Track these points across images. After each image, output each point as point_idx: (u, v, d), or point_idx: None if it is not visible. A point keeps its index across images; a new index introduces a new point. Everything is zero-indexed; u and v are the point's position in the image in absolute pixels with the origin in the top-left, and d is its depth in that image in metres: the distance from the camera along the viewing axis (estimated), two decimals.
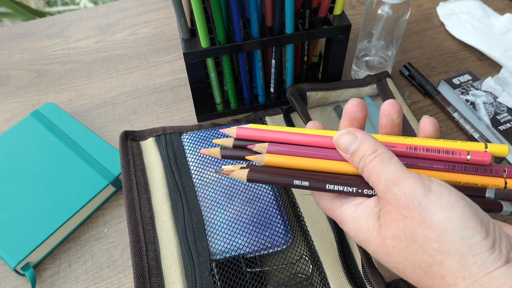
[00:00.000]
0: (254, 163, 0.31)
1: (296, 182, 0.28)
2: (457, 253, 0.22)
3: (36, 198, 0.45)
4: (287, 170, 0.30)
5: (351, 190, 0.28)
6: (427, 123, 0.31)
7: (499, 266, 0.21)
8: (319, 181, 0.28)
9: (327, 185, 0.28)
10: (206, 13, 0.49)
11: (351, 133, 0.29)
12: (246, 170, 0.29)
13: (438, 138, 0.31)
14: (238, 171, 0.30)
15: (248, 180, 0.29)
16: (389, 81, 0.53)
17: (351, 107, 0.31)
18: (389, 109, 0.31)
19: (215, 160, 0.46)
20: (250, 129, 0.31)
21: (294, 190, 0.45)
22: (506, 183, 0.28)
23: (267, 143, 0.30)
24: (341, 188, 0.28)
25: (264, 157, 0.30)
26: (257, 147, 0.30)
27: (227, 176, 0.45)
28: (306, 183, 0.28)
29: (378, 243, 0.25)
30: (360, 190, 0.28)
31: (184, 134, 0.49)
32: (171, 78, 0.60)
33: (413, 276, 0.24)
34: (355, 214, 0.27)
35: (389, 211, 0.25)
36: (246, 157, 0.31)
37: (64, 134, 0.50)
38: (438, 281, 0.23)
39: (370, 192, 0.28)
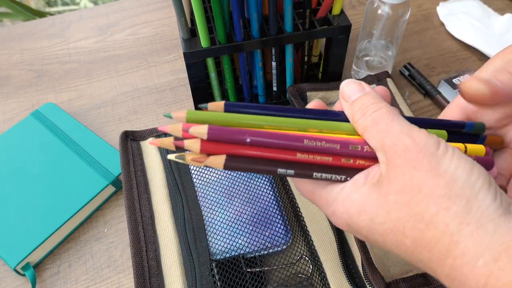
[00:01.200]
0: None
1: (280, 170, 0.25)
2: (463, 198, 0.22)
3: (36, 198, 0.45)
4: (271, 155, 0.26)
5: (339, 178, 0.26)
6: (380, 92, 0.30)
7: (503, 214, 0.21)
8: (305, 169, 0.26)
9: (314, 173, 0.26)
10: (206, 13, 0.49)
11: (360, 84, 0.27)
12: (223, 158, 0.25)
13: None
14: (213, 158, 0.25)
15: (225, 168, 0.25)
16: (389, 81, 0.54)
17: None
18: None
19: None
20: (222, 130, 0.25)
21: (294, 190, 0.45)
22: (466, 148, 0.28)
23: (206, 126, 0.24)
24: (329, 176, 0.26)
25: (198, 145, 0.24)
26: (192, 130, 0.24)
27: (227, 176, 0.45)
28: (291, 172, 0.26)
29: (377, 203, 0.24)
30: (349, 178, 0.26)
31: None
32: (171, 78, 0.60)
33: (412, 233, 0.23)
34: (344, 192, 0.26)
35: (396, 165, 0.23)
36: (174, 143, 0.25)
37: (64, 134, 0.50)
38: (441, 231, 0.22)
39: (340, 177, 0.26)
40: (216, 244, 0.40)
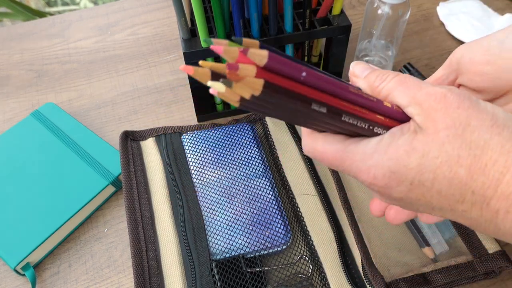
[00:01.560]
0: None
1: (314, 105, 0.24)
2: (510, 126, 0.24)
3: (36, 198, 0.45)
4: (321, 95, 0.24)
5: (363, 125, 0.26)
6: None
7: None
8: (336, 110, 0.25)
9: (344, 115, 0.25)
10: (206, 13, 0.49)
11: (369, 65, 0.29)
12: (261, 82, 0.21)
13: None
14: (249, 81, 0.21)
15: (262, 94, 0.21)
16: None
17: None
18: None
19: (215, 160, 0.46)
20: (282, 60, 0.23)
21: (294, 190, 0.45)
22: None
23: (267, 51, 0.22)
24: (355, 121, 0.25)
25: (254, 71, 0.21)
26: (251, 53, 0.21)
27: (228, 176, 0.45)
28: (323, 109, 0.24)
29: (428, 141, 0.24)
30: (371, 127, 0.26)
31: (184, 134, 0.49)
32: (171, 78, 0.60)
33: (467, 161, 0.24)
34: (384, 142, 0.25)
35: (437, 109, 0.24)
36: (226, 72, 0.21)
37: (64, 134, 0.50)
38: (497, 152, 0.23)
39: (380, 130, 0.26)
40: (216, 244, 0.40)
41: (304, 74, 0.23)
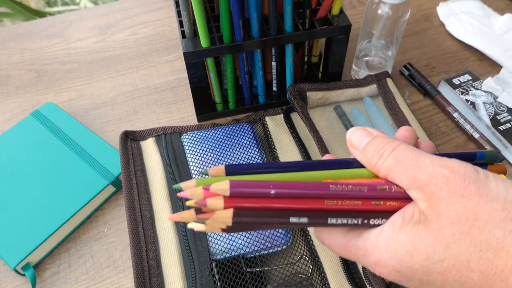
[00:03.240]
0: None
1: (293, 219, 0.24)
2: None
3: (36, 198, 0.45)
4: (298, 206, 0.24)
5: (356, 222, 0.24)
6: (425, 148, 0.28)
7: None
8: (319, 216, 0.24)
9: (329, 218, 0.24)
10: (213, 13, 0.49)
11: (366, 129, 0.26)
12: (230, 212, 0.23)
13: (415, 144, 0.29)
14: (219, 214, 0.23)
15: (234, 224, 0.23)
16: (389, 81, 0.54)
17: (403, 132, 0.28)
18: (406, 135, 0.28)
19: (215, 160, 0.46)
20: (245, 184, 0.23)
21: None
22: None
23: (228, 181, 0.23)
24: (344, 220, 0.24)
25: (222, 202, 0.23)
26: (213, 187, 0.23)
27: None
28: (304, 220, 0.24)
29: (431, 240, 0.22)
30: (366, 221, 0.24)
31: (184, 134, 0.49)
32: (171, 78, 0.60)
33: (479, 265, 0.21)
34: (384, 235, 0.23)
35: (441, 197, 0.22)
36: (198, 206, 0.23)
37: (64, 134, 0.50)
38: None
39: (377, 221, 0.24)
40: (216, 244, 0.40)
41: (273, 192, 0.23)
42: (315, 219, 0.24)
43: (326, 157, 0.29)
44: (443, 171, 0.22)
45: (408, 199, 0.24)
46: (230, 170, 0.25)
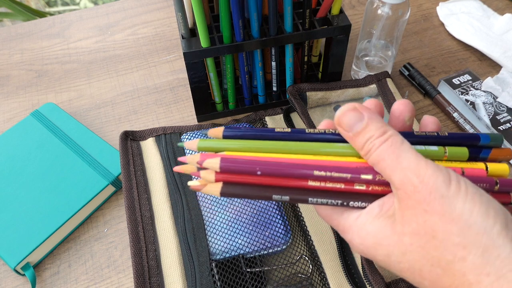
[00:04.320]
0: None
1: (275, 196, 0.26)
2: (480, 246, 0.20)
3: (36, 198, 0.45)
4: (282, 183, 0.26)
5: (335, 203, 0.26)
6: (429, 123, 0.29)
7: None
8: (300, 194, 0.26)
9: (309, 198, 0.26)
10: (212, 13, 0.49)
11: (356, 110, 0.25)
12: (219, 185, 0.26)
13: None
14: (210, 186, 0.27)
15: (222, 195, 0.26)
16: (389, 81, 0.54)
17: (398, 104, 0.28)
18: (401, 109, 0.28)
19: None
20: (235, 160, 0.26)
21: None
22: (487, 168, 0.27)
23: (219, 158, 0.26)
24: (324, 201, 0.26)
25: (213, 176, 0.26)
26: (206, 163, 0.26)
27: None
28: (286, 198, 0.26)
29: (393, 241, 0.23)
30: (345, 203, 0.26)
31: (184, 134, 0.49)
32: (171, 78, 0.60)
33: (430, 276, 0.22)
34: (359, 221, 0.25)
35: (408, 205, 0.22)
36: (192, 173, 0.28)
37: (64, 134, 0.50)
38: (459, 280, 0.21)
39: (357, 203, 0.26)
40: (216, 244, 0.40)
41: (259, 172, 0.26)
42: (296, 197, 0.26)
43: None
44: (413, 180, 0.22)
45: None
46: (228, 134, 0.28)
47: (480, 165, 0.27)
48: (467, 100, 0.53)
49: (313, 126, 0.47)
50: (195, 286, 0.38)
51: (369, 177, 0.25)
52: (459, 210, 0.21)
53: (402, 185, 0.23)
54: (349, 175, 0.25)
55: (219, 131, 0.28)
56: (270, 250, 0.40)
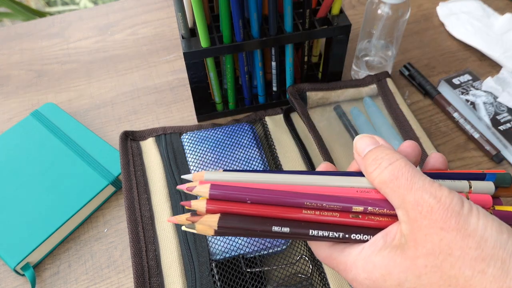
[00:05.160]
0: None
1: (275, 228, 0.25)
2: (498, 259, 0.21)
3: (36, 198, 0.45)
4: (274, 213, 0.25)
5: (337, 235, 0.25)
6: (436, 161, 0.28)
7: None
8: (301, 226, 0.25)
9: (311, 230, 0.25)
10: (212, 13, 0.49)
11: (373, 138, 0.26)
12: (217, 217, 0.25)
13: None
14: (206, 218, 0.25)
15: (219, 228, 0.24)
16: (389, 81, 0.54)
17: (405, 147, 0.28)
18: (407, 152, 0.28)
19: (215, 160, 0.46)
20: (225, 186, 0.25)
21: None
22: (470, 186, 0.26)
23: (209, 184, 0.25)
24: (325, 233, 0.25)
25: (204, 205, 0.25)
26: (196, 190, 0.25)
27: None
28: (286, 229, 0.25)
29: (405, 268, 0.22)
30: (347, 235, 0.25)
31: (184, 134, 0.49)
32: (171, 78, 0.60)
33: None
34: (363, 254, 0.24)
35: (422, 226, 0.22)
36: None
37: (64, 134, 0.50)
38: None
39: (359, 236, 0.25)
40: (216, 244, 0.40)
41: (248, 201, 0.25)
42: (297, 229, 0.25)
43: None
44: (430, 200, 0.22)
45: (392, 217, 0.25)
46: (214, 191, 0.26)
47: (489, 187, 0.26)
48: (467, 100, 0.53)
49: (313, 126, 0.47)
50: (195, 286, 0.38)
51: (361, 208, 0.25)
52: (474, 225, 0.21)
53: (417, 206, 0.22)
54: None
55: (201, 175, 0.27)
56: (270, 250, 0.40)
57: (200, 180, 0.26)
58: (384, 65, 0.56)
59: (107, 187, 0.46)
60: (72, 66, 0.62)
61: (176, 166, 0.46)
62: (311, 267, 0.40)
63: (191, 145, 0.47)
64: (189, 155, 0.47)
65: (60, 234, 0.44)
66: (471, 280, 0.21)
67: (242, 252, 0.40)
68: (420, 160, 0.28)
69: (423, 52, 0.61)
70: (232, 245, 0.40)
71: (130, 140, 0.49)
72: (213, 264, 0.39)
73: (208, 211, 0.25)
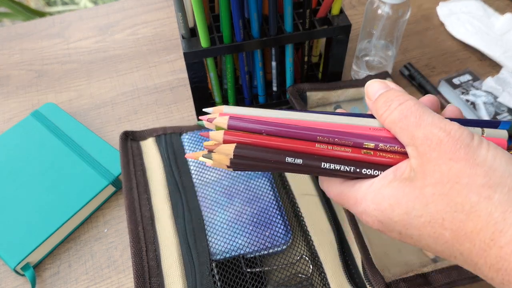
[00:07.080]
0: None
1: (289, 159, 0.25)
2: (505, 185, 0.21)
3: (36, 198, 0.45)
4: (288, 145, 0.26)
5: (348, 169, 0.25)
6: (452, 114, 0.28)
7: None
8: (314, 159, 0.25)
9: (323, 163, 0.25)
10: (212, 13, 0.49)
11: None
12: (233, 146, 0.25)
13: None
14: (222, 147, 0.25)
15: (234, 158, 0.25)
16: (389, 81, 0.53)
17: (425, 101, 0.28)
18: (426, 105, 0.27)
19: None
20: (243, 119, 0.26)
21: (294, 190, 0.45)
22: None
23: (228, 116, 0.26)
24: (337, 166, 0.25)
25: (221, 135, 0.26)
26: (216, 121, 0.26)
27: (228, 176, 0.45)
28: (299, 161, 0.25)
29: (413, 197, 0.23)
30: (358, 169, 0.25)
31: (184, 134, 0.49)
32: (171, 78, 0.60)
33: (452, 225, 0.22)
34: (373, 187, 0.25)
35: (431, 158, 0.22)
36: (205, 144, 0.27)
37: (64, 134, 0.50)
38: (483, 221, 0.21)
39: (369, 171, 0.25)
40: (216, 244, 0.40)
41: (264, 134, 0.26)
42: (310, 161, 0.25)
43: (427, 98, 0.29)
44: (440, 133, 0.23)
45: (403, 155, 0.25)
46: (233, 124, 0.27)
47: (502, 134, 0.26)
48: (467, 100, 0.53)
49: None
50: (195, 286, 0.38)
51: (370, 151, 0.26)
52: (483, 157, 0.22)
53: (426, 140, 0.23)
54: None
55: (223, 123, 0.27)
56: (271, 250, 0.40)
57: (220, 112, 0.27)
58: (384, 65, 0.56)
59: (107, 187, 0.46)
60: (72, 66, 0.62)
61: (176, 166, 0.46)
62: (311, 267, 0.40)
63: (191, 145, 0.47)
64: None
65: (60, 234, 0.44)
66: (477, 206, 0.21)
67: (242, 252, 0.40)
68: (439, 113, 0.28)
69: (423, 52, 0.61)
70: (232, 245, 0.40)
71: (130, 140, 0.49)
72: (213, 264, 0.39)
73: (225, 142, 0.26)
